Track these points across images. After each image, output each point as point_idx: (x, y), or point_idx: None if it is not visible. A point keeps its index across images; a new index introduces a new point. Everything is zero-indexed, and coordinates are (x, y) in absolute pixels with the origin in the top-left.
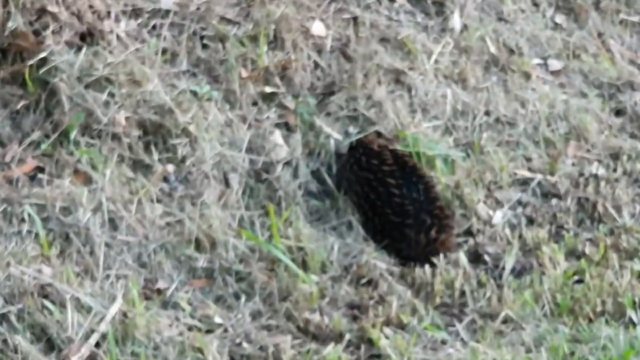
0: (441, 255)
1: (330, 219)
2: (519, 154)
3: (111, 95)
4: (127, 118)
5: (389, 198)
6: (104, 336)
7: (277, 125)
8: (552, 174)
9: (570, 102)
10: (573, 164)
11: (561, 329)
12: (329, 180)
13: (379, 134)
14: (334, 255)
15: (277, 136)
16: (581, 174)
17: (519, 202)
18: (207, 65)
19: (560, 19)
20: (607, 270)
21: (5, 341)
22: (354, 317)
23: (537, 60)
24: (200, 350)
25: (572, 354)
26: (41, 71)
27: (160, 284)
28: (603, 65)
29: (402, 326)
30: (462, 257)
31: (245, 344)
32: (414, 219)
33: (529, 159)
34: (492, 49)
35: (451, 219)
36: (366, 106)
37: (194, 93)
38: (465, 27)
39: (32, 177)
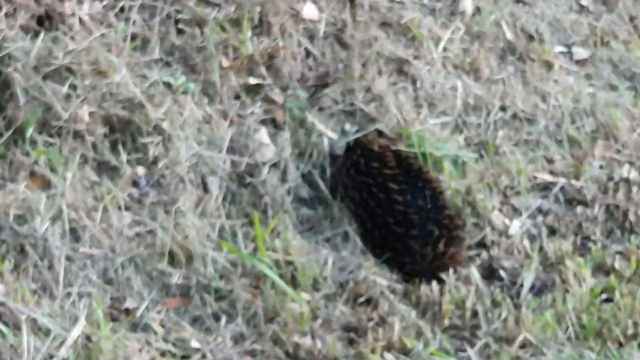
0: (450, 271)
1: (323, 229)
2: (539, 155)
3: (73, 87)
4: (90, 113)
5: (391, 206)
6: None
7: (263, 122)
8: (577, 177)
9: (597, 96)
10: (601, 167)
11: (587, 355)
12: (322, 185)
13: (379, 133)
14: (327, 271)
15: (263, 134)
16: (610, 178)
17: (540, 210)
18: (183, 53)
19: (586, 1)
20: None
21: None
22: (350, 341)
23: (559, 48)
24: None
25: None
26: None
27: (129, 303)
28: (635, 54)
29: (405, 351)
30: (475, 273)
31: None
32: (420, 230)
33: (550, 161)
34: (509, 35)
35: (462, 230)
36: (365, 100)
37: (168, 85)
38: (478, 10)
39: None
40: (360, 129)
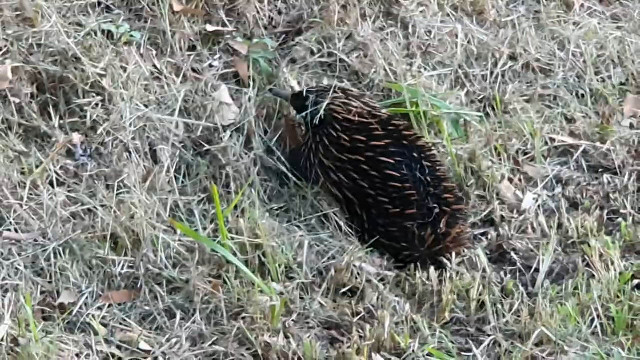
0: (454, 253)
1: (296, 205)
2: (556, 114)
3: None
4: (14, 70)
5: (385, 183)
6: None
7: (224, 78)
8: (602, 140)
9: (626, 41)
10: (631, 126)
11: (616, 352)
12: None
13: (345, 93)
14: (303, 256)
15: (224, 92)
16: None
17: (558, 180)
18: None
19: None
20: None
21: None
22: (331, 340)
23: None
24: None
25: None
26: None
27: (64, 298)
28: None
29: (398, 352)
30: (481, 256)
31: None
32: (418, 208)
33: (570, 120)
34: None
35: (465, 205)
36: (346, 49)
37: (108, 34)
38: None
39: None
40: (314, 89)
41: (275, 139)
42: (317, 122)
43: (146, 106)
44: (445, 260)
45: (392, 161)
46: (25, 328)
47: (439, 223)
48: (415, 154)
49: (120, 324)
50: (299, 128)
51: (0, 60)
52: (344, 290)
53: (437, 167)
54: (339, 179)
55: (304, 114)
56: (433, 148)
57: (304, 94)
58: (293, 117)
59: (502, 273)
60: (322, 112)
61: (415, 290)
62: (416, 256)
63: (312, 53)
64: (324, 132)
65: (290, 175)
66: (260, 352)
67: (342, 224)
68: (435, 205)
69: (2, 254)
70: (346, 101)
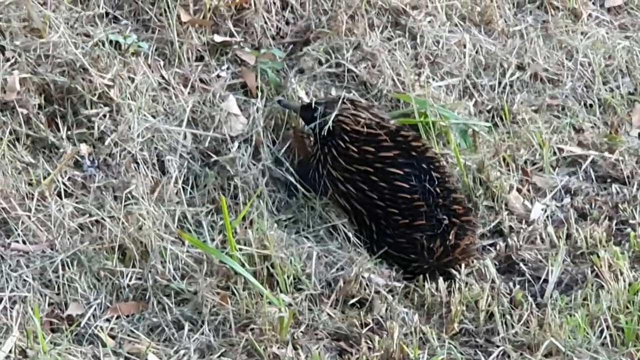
0: (463, 264)
1: (305, 216)
2: (564, 124)
3: (0, 49)
4: (22, 81)
5: (394, 194)
6: None
7: (231, 88)
8: (611, 150)
9: (635, 51)
10: None
11: None
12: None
13: (353, 103)
14: (311, 267)
15: (231, 103)
16: None
17: (567, 190)
18: (133, 6)
19: None
20: None
21: None
22: (340, 351)
23: None
24: None
25: None
26: None
27: (72, 310)
28: None
29: None
30: (490, 266)
31: None
32: (427, 219)
33: (579, 130)
34: None
35: (474, 216)
36: (354, 60)
37: (116, 44)
38: None
39: None
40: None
41: (283, 150)
42: (326, 133)
43: (154, 117)
44: (454, 272)
45: (401, 172)
46: (33, 340)
47: (448, 234)
48: (424, 165)
49: (129, 335)
50: (307, 139)
51: (8, 71)
52: (352, 301)
53: (446, 179)
54: (347, 190)
55: (312, 125)
56: (442, 159)
57: (313, 105)
58: (301, 128)
59: (510, 284)
60: (330, 123)
61: (424, 301)
62: (425, 268)
63: (320, 63)
64: (332, 144)
65: (298, 186)
66: None
67: (350, 235)
68: (445, 217)
69: (10, 265)
70: (354, 112)
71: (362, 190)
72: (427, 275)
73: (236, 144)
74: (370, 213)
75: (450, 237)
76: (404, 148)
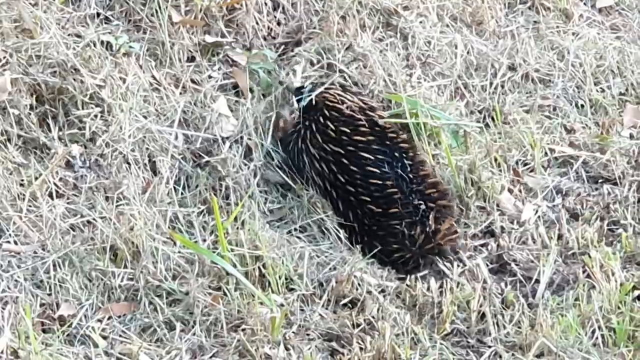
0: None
1: (297, 217)
2: (556, 124)
3: None
4: (13, 81)
5: (365, 179)
6: None
7: (223, 89)
8: (602, 150)
9: (626, 51)
10: (631, 136)
11: None
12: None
13: (343, 87)
14: (303, 267)
15: (222, 104)
16: None
17: (558, 190)
18: (125, 6)
19: None
20: None
21: None
22: (332, 351)
23: None
24: None
25: None
26: None
27: (64, 310)
28: None
29: None
30: (482, 266)
31: None
32: (403, 206)
33: (570, 131)
34: None
35: (450, 200)
36: (345, 60)
37: (107, 45)
38: None
39: None
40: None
41: (269, 138)
42: (309, 107)
43: (145, 117)
44: (438, 259)
45: (372, 157)
46: (25, 340)
47: (428, 220)
48: (396, 154)
49: (120, 336)
50: (286, 121)
51: (0, 71)
52: (344, 301)
53: (419, 165)
54: (321, 169)
55: (297, 98)
56: (414, 148)
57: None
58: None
59: (502, 284)
60: (313, 96)
61: (416, 301)
62: (408, 257)
63: (312, 64)
64: (313, 118)
65: (290, 183)
66: None
67: (341, 234)
68: (421, 202)
69: (2, 265)
70: (341, 93)
71: (334, 172)
72: (413, 266)
73: (227, 144)
74: (344, 201)
75: (430, 223)
76: (379, 136)
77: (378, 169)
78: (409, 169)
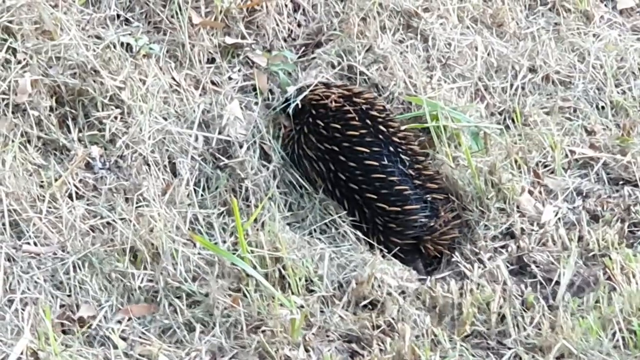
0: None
1: (317, 218)
2: (576, 126)
3: (12, 51)
4: (34, 83)
5: (367, 174)
6: None
7: (243, 90)
8: (623, 152)
9: None
10: None
11: None
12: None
13: (326, 85)
14: (323, 269)
15: (235, 106)
16: None
17: (578, 192)
18: (145, 8)
19: None
20: None
21: None
22: (352, 353)
23: None
24: None
25: None
26: None
27: (83, 312)
28: None
29: None
30: (502, 268)
31: None
32: (417, 202)
33: (590, 132)
34: None
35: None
36: (366, 62)
37: (127, 47)
38: None
39: None
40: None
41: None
42: (297, 112)
43: (165, 119)
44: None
45: (368, 150)
46: (44, 342)
47: (439, 212)
48: (391, 148)
49: (140, 337)
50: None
51: (20, 73)
52: (364, 303)
53: (415, 157)
54: (320, 169)
55: (284, 105)
56: (413, 138)
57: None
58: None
59: (522, 286)
60: (298, 101)
61: (436, 303)
62: (425, 240)
63: (332, 66)
64: (303, 121)
65: (306, 185)
66: None
67: (359, 235)
68: (427, 195)
69: (22, 267)
70: (324, 89)
71: (333, 171)
72: (418, 258)
73: (245, 146)
74: (350, 200)
75: (443, 213)
76: (373, 127)
77: (377, 162)
78: (407, 164)
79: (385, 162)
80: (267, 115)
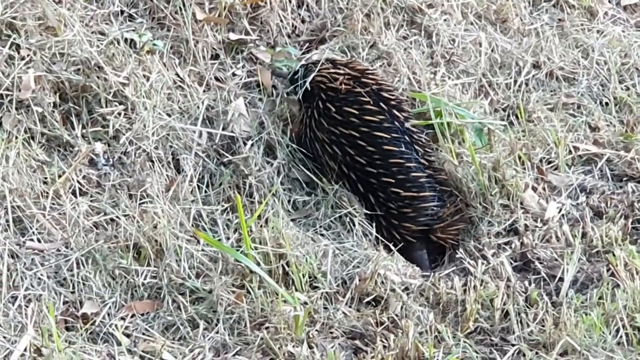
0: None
1: (321, 215)
2: (580, 122)
3: (15, 47)
4: (37, 79)
5: (385, 159)
6: None
7: (247, 86)
8: (627, 148)
9: None
10: None
11: None
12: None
13: (333, 63)
14: (327, 265)
15: (240, 103)
16: None
17: (582, 189)
18: (148, 4)
19: None
20: None
21: None
22: (355, 350)
23: None
24: None
25: None
26: None
27: (87, 308)
28: None
29: None
30: (505, 264)
31: None
32: (430, 189)
33: (594, 129)
34: None
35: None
36: (370, 58)
37: (131, 43)
38: None
39: None
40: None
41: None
42: (306, 94)
43: (169, 115)
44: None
45: (388, 136)
46: (48, 338)
47: (445, 202)
48: (406, 137)
49: (143, 334)
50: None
51: (24, 69)
52: (367, 299)
53: (426, 149)
54: (333, 152)
55: (293, 87)
56: (423, 131)
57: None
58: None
59: (526, 282)
60: (307, 84)
61: (440, 299)
62: (435, 229)
63: None
64: (312, 105)
65: (315, 180)
66: None
67: (368, 228)
68: (437, 186)
69: (25, 263)
70: (332, 71)
71: (350, 154)
72: (422, 247)
73: (249, 143)
74: (365, 183)
75: (449, 205)
76: (387, 111)
77: (396, 147)
78: (419, 152)
79: (404, 149)
80: (278, 110)
